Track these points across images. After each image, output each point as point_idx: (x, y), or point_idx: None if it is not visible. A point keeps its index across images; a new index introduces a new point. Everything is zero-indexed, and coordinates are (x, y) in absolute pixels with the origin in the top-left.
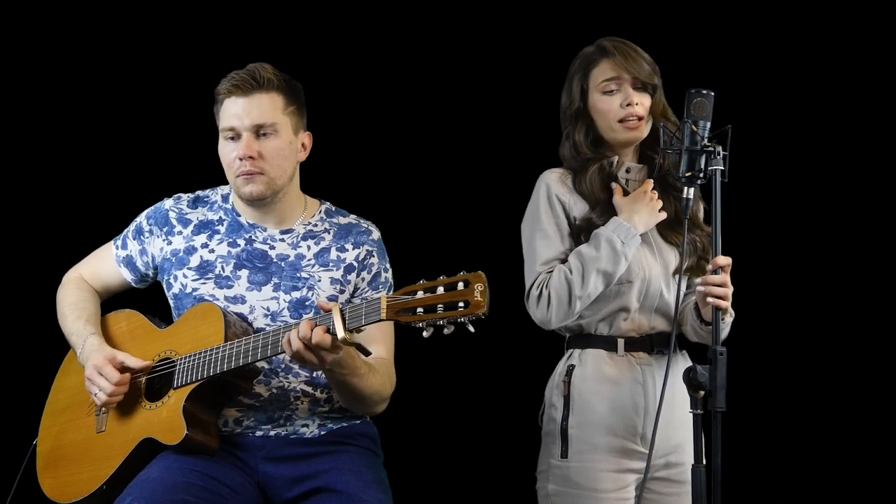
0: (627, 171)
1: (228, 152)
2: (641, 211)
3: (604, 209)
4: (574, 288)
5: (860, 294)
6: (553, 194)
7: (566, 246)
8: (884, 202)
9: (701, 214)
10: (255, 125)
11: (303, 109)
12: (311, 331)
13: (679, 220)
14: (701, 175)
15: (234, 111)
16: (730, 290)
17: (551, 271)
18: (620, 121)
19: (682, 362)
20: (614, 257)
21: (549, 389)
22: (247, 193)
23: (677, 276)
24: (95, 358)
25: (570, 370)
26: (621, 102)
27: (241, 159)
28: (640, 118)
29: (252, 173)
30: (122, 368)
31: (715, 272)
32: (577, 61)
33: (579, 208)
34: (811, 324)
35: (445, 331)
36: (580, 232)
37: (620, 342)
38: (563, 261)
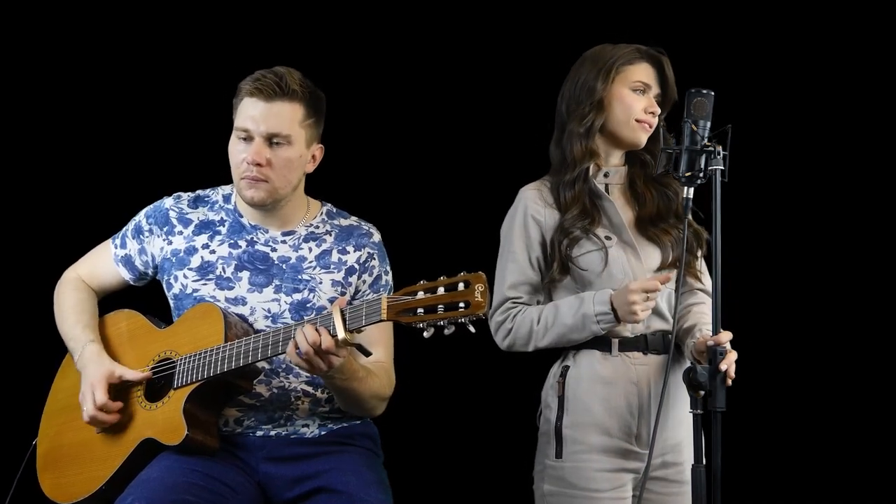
0: (606, 175)
1: (238, 152)
2: (630, 310)
3: (577, 216)
4: (535, 339)
5: (860, 294)
6: (529, 215)
7: (534, 272)
8: (884, 202)
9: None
10: (270, 133)
11: (321, 121)
12: (320, 335)
13: (661, 216)
14: (701, 175)
15: (252, 113)
16: (734, 356)
17: (519, 300)
18: (638, 121)
19: (678, 362)
20: (584, 334)
21: (544, 390)
22: (248, 197)
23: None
24: (93, 373)
25: (564, 371)
26: (646, 107)
27: (248, 163)
28: (653, 127)
29: (257, 179)
30: (121, 382)
31: (716, 351)
32: (616, 54)
33: (556, 223)
34: (811, 324)
35: (446, 331)
36: (554, 242)
37: (615, 342)
38: (531, 285)
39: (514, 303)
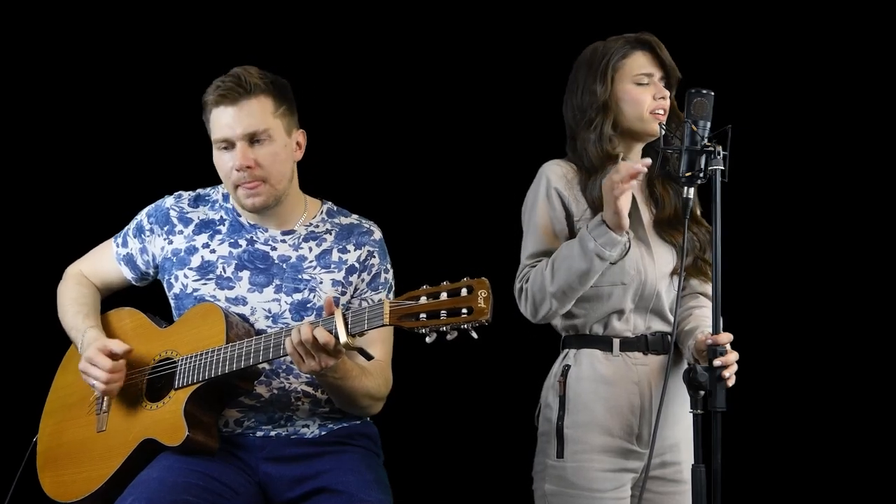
0: None
1: (225, 163)
2: (607, 207)
3: None
4: (546, 285)
5: (860, 294)
6: (552, 187)
7: (555, 242)
8: (884, 202)
9: (698, 210)
10: (248, 133)
11: (293, 108)
12: (313, 332)
13: (678, 218)
14: (701, 175)
15: (225, 121)
16: (735, 356)
17: (535, 266)
18: (652, 112)
19: (678, 362)
20: (587, 261)
21: (545, 389)
22: (250, 205)
23: (675, 277)
24: (88, 350)
25: (565, 370)
26: (654, 95)
27: (238, 170)
28: (666, 112)
29: (254, 185)
30: (110, 355)
31: (716, 350)
32: (608, 52)
33: (579, 204)
34: (811, 324)
35: (448, 337)
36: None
37: (615, 342)
38: (551, 255)
39: (531, 267)
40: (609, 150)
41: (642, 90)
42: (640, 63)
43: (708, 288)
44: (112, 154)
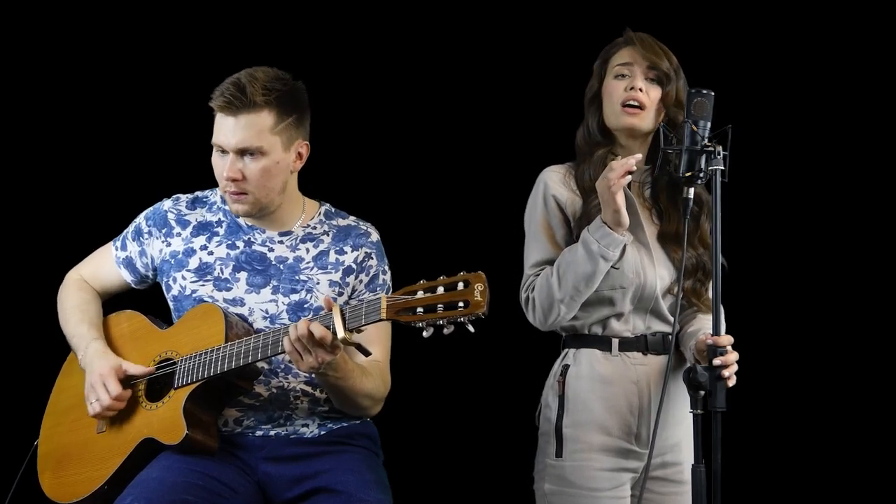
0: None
1: (218, 167)
2: (605, 207)
3: (598, 205)
4: (554, 291)
5: (860, 294)
6: (549, 195)
7: (557, 250)
8: (884, 202)
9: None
10: (240, 148)
11: (302, 118)
12: (310, 328)
13: (681, 235)
14: (701, 175)
15: (223, 128)
16: (735, 356)
17: (539, 275)
18: (622, 105)
19: (679, 362)
20: (590, 259)
21: (545, 389)
22: (234, 211)
23: (676, 285)
24: (101, 366)
25: (564, 370)
26: (626, 86)
27: (225, 179)
28: (640, 105)
29: (237, 194)
30: (126, 377)
31: (716, 350)
32: (605, 48)
33: (578, 207)
34: (811, 324)
35: (445, 331)
36: (579, 229)
37: (615, 342)
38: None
39: (535, 276)
40: (597, 139)
41: (618, 83)
42: (621, 57)
43: (707, 301)
44: (112, 158)
